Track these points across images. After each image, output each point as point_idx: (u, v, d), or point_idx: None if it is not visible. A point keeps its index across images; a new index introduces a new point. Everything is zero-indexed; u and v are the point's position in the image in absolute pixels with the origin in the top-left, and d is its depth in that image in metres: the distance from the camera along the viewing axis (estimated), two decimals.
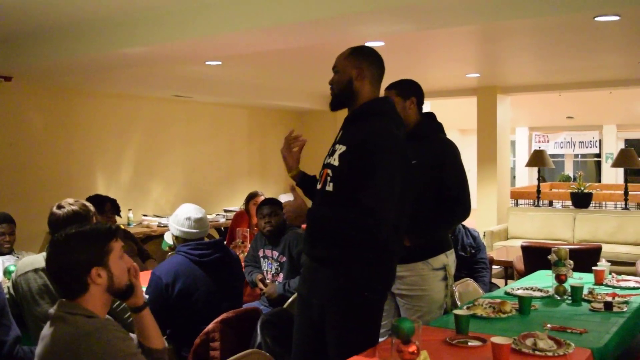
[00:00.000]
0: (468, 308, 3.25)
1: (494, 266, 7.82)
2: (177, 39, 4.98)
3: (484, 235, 8.72)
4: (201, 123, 9.70)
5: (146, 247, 6.37)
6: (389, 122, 2.70)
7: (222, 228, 8.42)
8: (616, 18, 4.56)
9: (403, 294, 3.28)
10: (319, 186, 2.80)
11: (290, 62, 7.24)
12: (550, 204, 13.45)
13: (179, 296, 3.38)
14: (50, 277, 2.93)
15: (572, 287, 3.58)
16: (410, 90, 3.42)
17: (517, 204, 12.84)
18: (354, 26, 4.58)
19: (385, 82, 3.49)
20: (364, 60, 2.78)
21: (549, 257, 3.76)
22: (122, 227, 7.22)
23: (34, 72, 6.74)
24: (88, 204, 3.26)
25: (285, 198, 10.16)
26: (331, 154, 2.75)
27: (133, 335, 2.40)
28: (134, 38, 5.24)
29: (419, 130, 3.37)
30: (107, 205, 4.98)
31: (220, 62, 6.90)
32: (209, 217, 8.72)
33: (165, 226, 7.72)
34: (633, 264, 7.04)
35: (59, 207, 3.18)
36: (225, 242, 5.99)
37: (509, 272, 7.22)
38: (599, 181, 18.61)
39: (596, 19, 4.59)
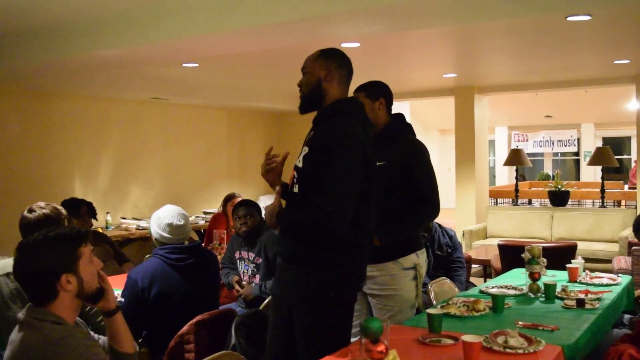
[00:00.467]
0: (442, 307, 3.27)
1: (472, 265, 7.88)
2: (151, 41, 4.97)
3: (463, 234, 8.77)
4: (179, 125, 9.67)
5: (125, 251, 6.34)
6: (352, 121, 2.70)
7: (202, 230, 8.40)
8: (587, 18, 4.61)
9: (374, 293, 3.30)
10: (289, 188, 2.82)
11: (267, 63, 7.24)
12: (530, 202, 13.56)
13: (155, 300, 3.37)
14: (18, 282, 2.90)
15: (545, 285, 3.62)
16: (379, 91, 3.44)
17: (496, 203, 12.92)
18: (329, 27, 4.59)
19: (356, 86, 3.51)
20: (332, 61, 2.79)
21: (523, 255, 3.79)
22: (100, 230, 7.19)
23: (7, 75, 6.67)
24: (60, 207, 3.23)
25: (264, 200, 10.16)
26: (299, 155, 2.77)
27: (104, 338, 2.39)
28: (108, 40, 5.21)
29: (388, 132, 3.40)
30: (82, 209, 4.93)
31: (197, 64, 6.88)
32: None
33: (144, 229, 7.69)
34: (609, 261, 7.12)
35: (30, 210, 3.16)
36: (203, 244, 6.00)
37: (488, 270, 7.27)
38: (579, 179, 18.78)
39: (568, 18, 4.64)
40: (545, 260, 3.76)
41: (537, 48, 6.43)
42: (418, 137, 3.53)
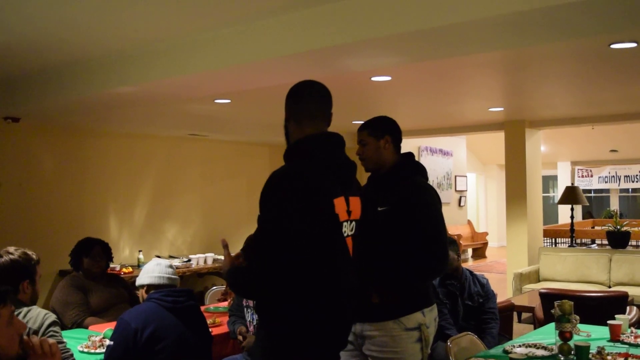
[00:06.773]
0: None
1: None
2: (175, 76, 4.83)
3: (513, 278, 8.25)
4: (219, 162, 9.52)
5: None
6: (297, 163, 2.36)
7: None
8: (633, 45, 4.23)
9: (374, 355, 2.91)
10: None
11: None
12: (593, 242, 12.80)
13: (147, 341, 3.08)
14: None
15: (577, 347, 3.17)
16: (384, 128, 3.09)
17: (554, 244, 12.22)
18: (356, 57, 4.25)
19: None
20: (288, 99, 2.48)
21: (552, 311, 3.35)
22: (124, 270, 7.05)
23: (41, 113, 6.67)
24: (31, 253, 3.02)
25: None
26: None
27: None
28: (135, 75, 5.11)
29: (392, 173, 3.05)
30: (95, 249, 4.73)
31: (229, 100, 6.71)
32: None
33: (177, 267, 7.50)
34: None
35: None
36: None
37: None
38: None
39: (612, 46, 4.27)
40: (577, 317, 3.30)
41: (587, 78, 5.98)
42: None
